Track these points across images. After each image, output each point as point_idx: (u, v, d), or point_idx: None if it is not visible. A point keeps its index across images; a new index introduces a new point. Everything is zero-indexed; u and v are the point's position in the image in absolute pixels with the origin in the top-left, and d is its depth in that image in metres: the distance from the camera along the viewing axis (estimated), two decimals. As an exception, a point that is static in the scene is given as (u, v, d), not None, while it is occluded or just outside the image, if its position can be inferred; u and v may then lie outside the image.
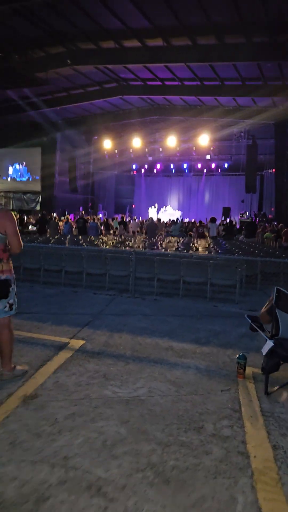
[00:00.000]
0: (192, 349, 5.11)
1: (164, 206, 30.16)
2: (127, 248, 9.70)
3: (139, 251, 7.89)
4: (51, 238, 12.85)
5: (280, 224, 18.22)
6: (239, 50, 16.38)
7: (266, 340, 3.94)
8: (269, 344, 3.86)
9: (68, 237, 13.34)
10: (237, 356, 4.33)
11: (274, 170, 25.57)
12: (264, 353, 3.91)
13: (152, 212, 28.21)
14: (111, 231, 18.49)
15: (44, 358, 4.56)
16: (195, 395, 3.83)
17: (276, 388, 4.00)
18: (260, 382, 4.10)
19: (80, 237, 13.49)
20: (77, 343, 5.13)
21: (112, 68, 20.07)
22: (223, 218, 25.06)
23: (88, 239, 12.53)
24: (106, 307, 7.17)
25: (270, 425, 3.35)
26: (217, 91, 21.37)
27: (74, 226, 17.42)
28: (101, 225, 18.32)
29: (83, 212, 17.71)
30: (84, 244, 10.91)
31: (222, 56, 16.99)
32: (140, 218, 26.06)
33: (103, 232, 17.89)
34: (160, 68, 19.46)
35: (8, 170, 27.15)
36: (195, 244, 12.15)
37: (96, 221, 17.35)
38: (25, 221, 17.35)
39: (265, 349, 3.89)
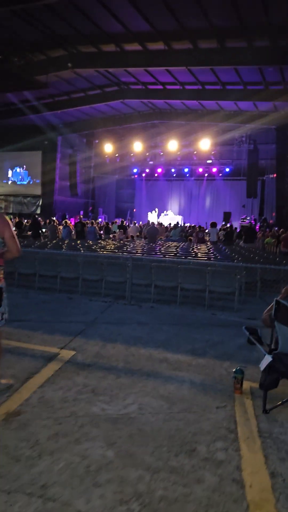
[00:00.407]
0: (187, 361, 4.87)
1: (165, 211, 29.92)
2: (124, 253, 9.48)
3: (136, 257, 7.66)
4: (48, 242, 12.63)
5: (281, 230, 17.98)
6: (241, 54, 16.24)
7: (265, 354, 3.70)
8: (268, 359, 3.63)
9: (66, 242, 13.11)
10: (234, 370, 4.09)
11: (275, 175, 25.39)
12: (262, 369, 3.67)
13: (151, 217, 27.98)
14: (111, 236, 18.28)
15: (31, 371, 4.33)
16: (189, 413, 3.59)
17: (278, 403, 3.75)
18: (258, 398, 3.85)
19: (78, 242, 13.26)
20: (68, 354, 4.89)
21: (113, 71, 19.94)
22: (223, 223, 24.82)
23: (85, 244, 12.30)
24: (101, 315, 6.94)
25: (268, 447, 3.11)
26: (219, 95, 21.23)
27: (73, 230, 17.21)
28: (100, 230, 18.12)
29: (82, 216, 17.50)
30: (81, 249, 10.69)
31: (223, 60, 16.84)
32: (141, 222, 25.83)
33: (102, 236, 17.67)
34: (161, 72, 19.31)
35: (7, 173, 27.00)
36: (195, 250, 11.92)
37: (94, 225, 17.13)
38: (23, 225, 17.17)
39: (263, 364, 3.65)
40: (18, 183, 26.85)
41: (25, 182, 26.69)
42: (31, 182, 26.61)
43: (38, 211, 26.27)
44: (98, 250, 10.44)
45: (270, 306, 3.86)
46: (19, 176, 26.84)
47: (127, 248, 11.56)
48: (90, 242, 13.72)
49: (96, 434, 3.15)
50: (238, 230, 22.13)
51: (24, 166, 26.60)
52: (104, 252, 9.97)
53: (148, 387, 4.06)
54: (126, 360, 4.79)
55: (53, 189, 26.22)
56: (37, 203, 26.53)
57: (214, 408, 3.70)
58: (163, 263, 8.10)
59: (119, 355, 4.96)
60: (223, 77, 19.31)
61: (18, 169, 26.72)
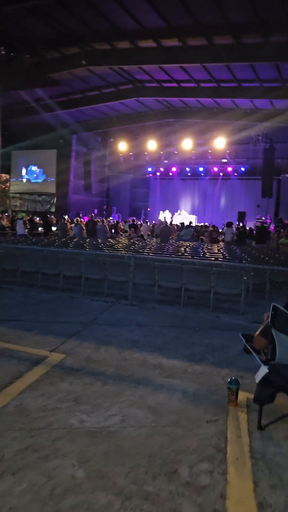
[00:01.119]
0: (183, 368, 4.53)
1: (179, 210, 29.47)
2: (129, 252, 9.17)
3: (138, 256, 7.34)
4: (56, 240, 12.41)
5: (296, 230, 17.40)
6: (257, 50, 15.77)
7: (261, 365, 3.35)
8: (263, 370, 3.27)
9: (75, 240, 12.89)
10: (228, 380, 3.73)
11: (291, 175, 24.73)
12: (257, 381, 3.32)
13: (162, 216, 27.60)
14: (121, 234, 17.98)
15: (14, 375, 4.06)
16: (176, 427, 3.26)
17: (275, 419, 3.40)
18: (254, 412, 3.49)
19: (87, 240, 13.02)
20: (57, 357, 4.61)
21: (127, 69, 19.64)
22: (238, 222, 24.28)
23: (94, 242, 12.03)
24: (100, 315, 6.64)
25: (259, 471, 2.76)
26: (234, 93, 20.69)
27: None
28: (111, 228, 17.80)
29: (92, 215, 17.23)
30: (87, 247, 10.42)
31: (239, 57, 16.37)
32: (153, 221, 25.46)
33: (113, 235, 17.34)
34: (176, 69, 18.93)
35: (22, 171, 26.99)
36: (204, 249, 11.54)
37: (105, 223, 16.83)
38: (35, 223, 17.04)
39: (259, 375, 3.30)
40: (32, 181, 26.80)
41: (40, 180, 26.63)
42: (46, 181, 26.53)
43: (53, 209, 26.18)
44: (105, 248, 10.15)
45: (262, 324, 3.52)
46: (34, 174, 26.79)
47: (134, 247, 11.24)
48: (99, 240, 13.45)
49: (69, 450, 2.85)
50: (254, 231, 21.57)
51: (39, 164, 26.53)
52: (108, 250, 9.67)
53: (136, 396, 3.75)
54: (118, 365, 4.48)
55: (67, 187, 26.10)
56: (52, 201, 26.43)
57: (204, 422, 3.37)
58: (167, 262, 7.75)
59: (111, 359, 4.66)
60: (239, 74, 18.81)
61: (33, 168, 26.66)
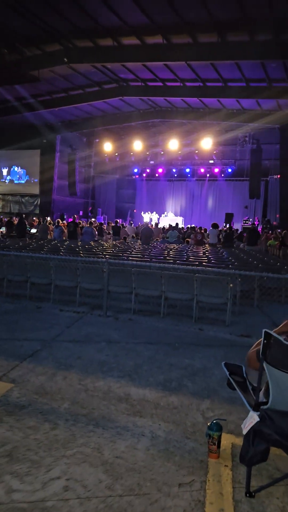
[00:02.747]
0: (155, 400, 3.67)
1: (165, 212, 28.66)
2: (106, 256, 8.28)
3: (113, 261, 6.47)
4: (33, 243, 11.48)
5: (284, 231, 16.67)
6: (242, 48, 15.09)
7: (249, 410, 2.50)
8: (253, 418, 2.42)
9: (53, 242, 11.97)
10: (208, 424, 2.88)
11: (279, 176, 24.08)
12: (244, 432, 2.47)
13: (147, 218, 26.75)
14: (104, 237, 17.08)
15: None
16: (136, 496, 2.40)
17: (269, 481, 2.55)
18: (242, 466, 2.64)
19: (65, 243, 12.10)
20: (2, 388, 3.72)
21: (111, 67, 18.82)
22: (225, 224, 23.55)
23: (72, 245, 11.12)
24: (66, 330, 5.76)
25: None
26: (220, 92, 19.99)
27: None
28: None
29: (75, 216, 16.30)
30: (62, 251, 9.51)
31: (225, 55, 15.65)
32: (139, 223, 24.61)
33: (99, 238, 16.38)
34: (161, 68, 18.15)
35: (5, 172, 25.95)
36: (188, 252, 10.71)
37: (92, 225, 15.87)
38: (13, 224, 16.04)
39: (246, 425, 2.45)
40: (16, 182, 25.77)
41: (23, 181, 25.61)
42: (29, 182, 25.53)
43: (37, 211, 25.20)
44: (81, 252, 9.24)
45: (258, 341, 2.63)
46: (17, 175, 25.77)
47: (114, 251, 10.37)
48: (79, 243, 12.54)
49: None
50: (239, 232, 20.85)
51: (22, 165, 25.52)
52: (85, 254, 8.78)
53: (90, 446, 2.88)
54: (75, 399, 3.60)
55: (51, 188, 25.14)
56: (35, 203, 25.44)
57: (175, 486, 2.51)
58: (145, 268, 6.88)
59: (67, 390, 3.77)
60: (225, 73, 18.12)
61: (16, 168, 25.63)
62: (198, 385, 4.05)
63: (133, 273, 6.78)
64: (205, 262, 8.36)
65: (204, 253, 11.19)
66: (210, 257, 9.41)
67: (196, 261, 8.36)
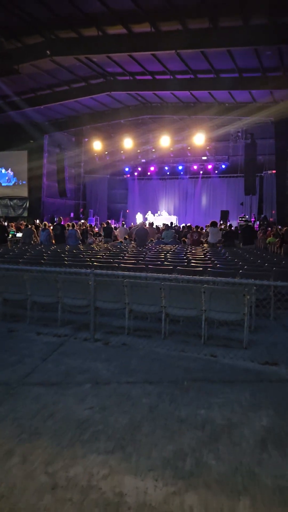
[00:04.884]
0: (161, 504, 2.26)
1: (158, 211, 27.24)
2: (94, 263, 6.87)
3: (100, 272, 5.05)
4: (14, 248, 10.03)
5: (285, 228, 15.30)
6: (235, 34, 13.76)
7: None
8: None
9: (38, 248, 10.51)
10: None
11: (274, 171, 22.81)
12: None
13: (140, 219, 25.31)
14: (95, 239, 15.62)
15: None
16: None
17: None
18: None
19: (52, 247, 10.65)
20: None
21: (97, 60, 17.42)
22: (221, 222, 22.18)
23: (58, 250, 9.67)
24: (41, 364, 4.33)
25: None
26: (212, 84, 18.63)
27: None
28: (82, 233, 15.28)
29: (61, 218, 14.89)
30: (44, 257, 8.05)
31: (217, 41, 14.34)
32: (132, 224, 23.19)
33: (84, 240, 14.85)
34: (149, 60, 16.76)
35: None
36: (188, 255, 9.31)
37: (76, 228, 14.41)
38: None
39: None
40: (3, 184, 24.21)
41: (10, 184, 24.06)
42: (17, 184, 23.98)
43: (26, 214, 23.67)
44: (66, 259, 7.79)
45: None
46: (5, 177, 24.21)
47: (103, 256, 8.94)
48: (67, 247, 11.09)
49: None
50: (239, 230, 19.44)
51: (10, 167, 23.96)
52: (70, 261, 7.34)
53: None
54: (34, 507, 2.18)
55: (40, 190, 23.65)
56: (24, 206, 23.92)
57: None
58: (140, 279, 5.46)
59: (24, 489, 2.35)
60: (217, 64, 16.81)
61: (2, 170, 24.07)
62: (226, 463, 2.64)
63: (125, 285, 5.35)
64: (210, 267, 6.95)
65: (205, 255, 9.78)
66: (215, 260, 7.98)
67: (200, 266, 6.94)
